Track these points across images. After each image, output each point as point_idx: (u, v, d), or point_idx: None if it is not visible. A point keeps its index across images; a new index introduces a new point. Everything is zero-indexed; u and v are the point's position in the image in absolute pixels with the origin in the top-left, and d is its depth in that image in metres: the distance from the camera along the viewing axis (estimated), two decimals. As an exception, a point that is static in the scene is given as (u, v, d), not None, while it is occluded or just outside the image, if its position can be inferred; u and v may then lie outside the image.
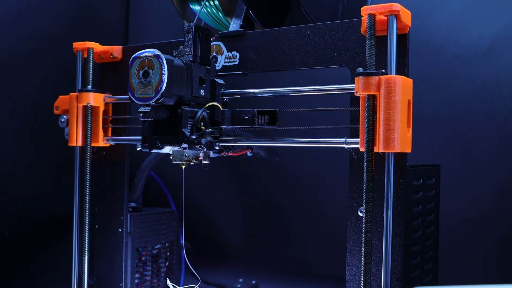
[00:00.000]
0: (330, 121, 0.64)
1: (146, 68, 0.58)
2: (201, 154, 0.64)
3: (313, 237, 1.01)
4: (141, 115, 0.60)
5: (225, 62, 0.70)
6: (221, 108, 0.65)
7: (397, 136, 0.53)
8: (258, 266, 0.99)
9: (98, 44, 0.81)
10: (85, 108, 0.76)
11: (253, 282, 0.92)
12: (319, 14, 0.76)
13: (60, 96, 0.79)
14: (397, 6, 0.54)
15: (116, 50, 0.80)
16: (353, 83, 0.57)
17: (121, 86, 0.78)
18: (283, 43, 0.66)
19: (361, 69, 0.55)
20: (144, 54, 0.59)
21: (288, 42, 0.66)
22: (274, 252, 1.04)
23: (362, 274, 0.54)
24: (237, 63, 0.69)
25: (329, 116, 0.67)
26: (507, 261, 0.87)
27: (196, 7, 0.78)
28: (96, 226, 0.80)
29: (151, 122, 0.62)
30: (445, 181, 0.78)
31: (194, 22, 0.66)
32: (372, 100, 0.54)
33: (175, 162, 0.65)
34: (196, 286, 0.65)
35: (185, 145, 0.62)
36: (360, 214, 0.60)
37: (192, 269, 0.72)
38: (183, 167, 0.65)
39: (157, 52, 0.58)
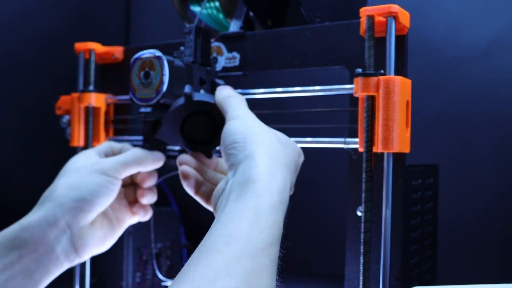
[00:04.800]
0: (330, 122, 0.65)
1: (147, 69, 0.59)
2: (202, 154, 0.64)
3: (313, 237, 1.01)
4: (142, 115, 0.61)
5: (225, 63, 0.71)
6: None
7: (396, 136, 0.53)
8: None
9: (100, 44, 0.81)
10: (86, 108, 0.77)
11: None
12: (319, 15, 0.77)
13: (61, 97, 0.80)
14: (395, 8, 0.55)
15: (118, 51, 0.80)
16: (352, 83, 0.57)
17: (122, 86, 0.78)
18: (283, 44, 0.67)
19: (360, 70, 0.55)
20: (145, 55, 0.59)
21: (288, 43, 0.67)
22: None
23: (361, 273, 0.54)
24: (237, 64, 0.70)
25: (328, 117, 0.67)
26: (506, 261, 0.88)
27: (197, 8, 0.79)
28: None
29: (152, 123, 0.63)
30: (444, 180, 0.78)
31: (195, 23, 0.67)
32: (371, 100, 0.55)
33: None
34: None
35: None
36: (359, 213, 0.60)
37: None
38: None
39: (158, 53, 0.59)
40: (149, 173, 0.63)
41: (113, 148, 0.63)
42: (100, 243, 0.57)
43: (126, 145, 0.65)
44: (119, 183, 0.57)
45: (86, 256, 0.56)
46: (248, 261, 0.35)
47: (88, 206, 0.53)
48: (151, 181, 0.63)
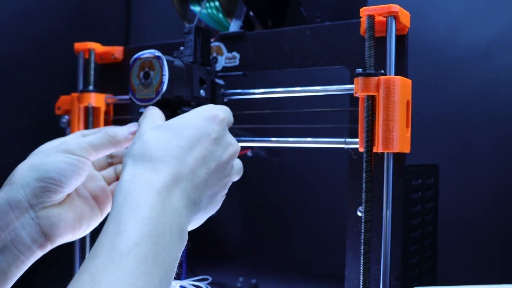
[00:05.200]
0: (330, 122, 0.65)
1: (146, 69, 0.59)
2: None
3: (313, 237, 1.01)
4: None
5: (225, 63, 0.71)
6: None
7: (396, 136, 0.53)
8: (258, 265, 0.99)
9: (99, 44, 0.81)
10: (86, 108, 0.76)
11: (253, 281, 0.92)
12: (319, 15, 0.77)
13: (61, 97, 0.80)
14: (396, 7, 0.55)
15: (117, 51, 0.80)
16: (353, 83, 0.57)
17: (122, 86, 0.78)
18: (282, 44, 0.67)
19: (360, 70, 0.55)
20: (144, 55, 0.59)
21: (287, 42, 0.67)
22: (274, 252, 1.04)
23: (361, 273, 0.54)
24: (237, 63, 0.70)
25: (328, 117, 0.67)
26: (506, 261, 0.88)
27: (197, 8, 0.79)
28: (97, 227, 0.81)
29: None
30: (444, 180, 0.78)
31: (195, 23, 0.67)
32: (371, 100, 0.55)
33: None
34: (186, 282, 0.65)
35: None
36: (359, 213, 0.60)
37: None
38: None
39: (158, 53, 0.59)
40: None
41: (84, 135, 0.58)
42: (73, 225, 0.52)
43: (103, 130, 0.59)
44: (88, 163, 0.52)
45: (58, 241, 0.51)
46: (112, 269, 0.35)
47: (54, 186, 0.49)
48: None
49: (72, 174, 0.50)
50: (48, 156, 0.50)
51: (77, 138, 0.54)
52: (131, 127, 0.55)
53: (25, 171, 0.49)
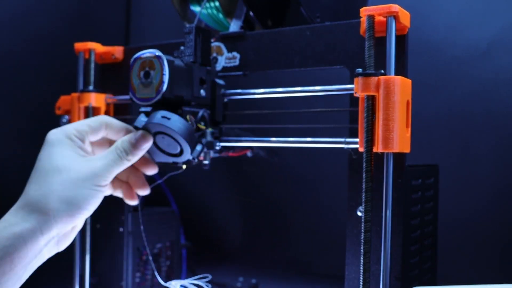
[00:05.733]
0: (330, 122, 0.65)
1: (147, 69, 0.59)
2: (202, 154, 0.64)
3: (313, 237, 1.01)
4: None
5: (225, 63, 0.71)
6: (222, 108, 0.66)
7: (396, 136, 0.53)
8: (258, 265, 0.99)
9: (100, 44, 0.81)
10: (86, 108, 0.76)
11: (253, 281, 0.92)
12: (319, 15, 0.77)
13: (61, 97, 0.80)
14: (396, 7, 0.55)
15: (118, 51, 0.80)
16: (353, 83, 0.57)
17: (122, 86, 0.78)
18: (283, 44, 0.67)
19: (360, 70, 0.55)
20: (145, 55, 0.59)
21: (287, 42, 0.67)
22: (274, 252, 1.04)
23: (361, 273, 0.54)
24: (237, 63, 0.70)
25: (328, 117, 0.67)
26: (506, 261, 0.88)
27: (197, 8, 0.79)
28: (98, 226, 0.81)
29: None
30: (444, 180, 0.78)
31: (195, 23, 0.67)
32: (371, 100, 0.55)
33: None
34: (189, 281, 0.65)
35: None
36: (359, 213, 0.60)
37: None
38: (184, 167, 0.66)
39: (158, 53, 0.59)
40: (138, 182, 0.66)
41: (92, 128, 0.63)
42: (75, 233, 0.60)
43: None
44: (109, 187, 0.61)
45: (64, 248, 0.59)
46: None
47: (80, 216, 0.55)
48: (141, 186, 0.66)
49: (95, 204, 0.56)
50: (78, 188, 0.55)
51: (99, 159, 0.57)
52: (133, 139, 0.59)
53: (57, 204, 0.53)
